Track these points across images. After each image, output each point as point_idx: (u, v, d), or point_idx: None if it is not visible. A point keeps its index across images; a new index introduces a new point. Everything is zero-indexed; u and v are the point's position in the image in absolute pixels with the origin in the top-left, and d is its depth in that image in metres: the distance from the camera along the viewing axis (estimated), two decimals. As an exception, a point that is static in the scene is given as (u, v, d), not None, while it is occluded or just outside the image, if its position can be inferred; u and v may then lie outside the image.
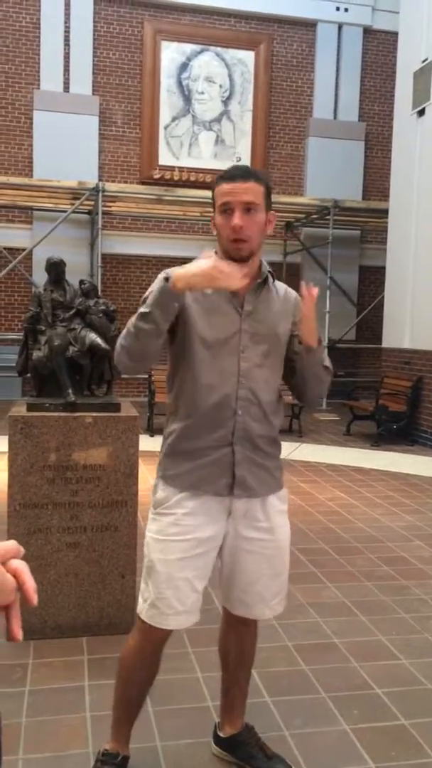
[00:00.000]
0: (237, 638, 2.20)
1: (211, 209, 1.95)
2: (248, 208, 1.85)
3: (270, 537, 2.02)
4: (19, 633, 0.81)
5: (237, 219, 1.84)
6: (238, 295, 1.93)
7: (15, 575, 0.81)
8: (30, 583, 0.81)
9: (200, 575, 1.97)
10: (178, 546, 1.93)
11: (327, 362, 2.01)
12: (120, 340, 1.88)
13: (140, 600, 2.01)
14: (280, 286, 2.05)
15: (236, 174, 1.88)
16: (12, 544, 0.83)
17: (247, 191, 1.85)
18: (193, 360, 1.92)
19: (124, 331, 1.87)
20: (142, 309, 1.80)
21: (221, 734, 2.28)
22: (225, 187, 1.87)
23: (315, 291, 1.81)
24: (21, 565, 0.82)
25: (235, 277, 1.72)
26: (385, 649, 3.08)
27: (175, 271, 1.75)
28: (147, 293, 1.84)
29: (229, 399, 1.91)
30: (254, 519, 2.00)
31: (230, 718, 2.28)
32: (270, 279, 2.00)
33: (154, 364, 1.93)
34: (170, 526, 1.94)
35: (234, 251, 1.88)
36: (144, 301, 1.82)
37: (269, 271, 2.00)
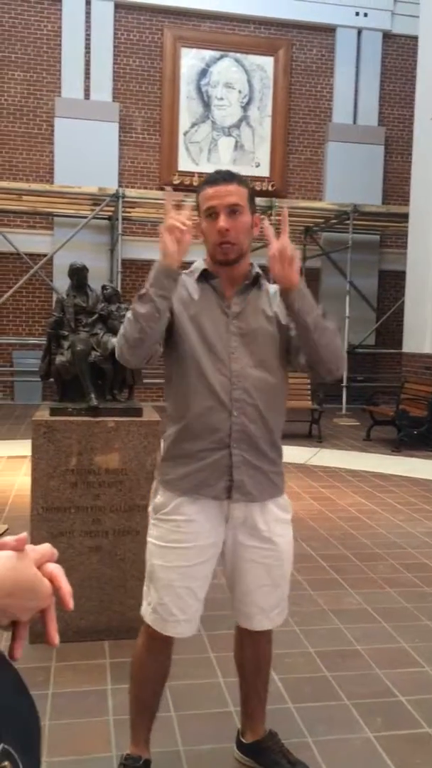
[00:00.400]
0: (252, 646, 2.18)
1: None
2: (233, 210, 1.88)
3: (269, 546, 2.00)
4: (56, 637, 0.80)
5: (222, 222, 1.86)
6: (225, 297, 1.95)
7: (50, 579, 0.80)
8: (66, 587, 0.81)
9: (202, 584, 1.97)
10: (179, 554, 1.93)
11: (321, 312, 1.87)
12: (120, 330, 1.89)
13: (144, 603, 2.03)
14: (271, 286, 2.04)
15: (219, 178, 1.91)
16: (47, 548, 0.82)
17: (230, 194, 1.88)
18: (185, 364, 1.93)
19: (124, 322, 1.89)
20: (140, 291, 1.83)
21: (244, 740, 2.28)
22: (209, 191, 1.90)
23: (284, 212, 1.83)
24: (56, 569, 0.81)
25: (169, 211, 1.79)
26: (408, 656, 3.05)
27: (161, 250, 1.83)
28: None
29: (223, 400, 1.90)
30: (253, 527, 1.97)
31: (251, 725, 2.27)
32: (260, 279, 2.00)
33: (155, 361, 1.91)
34: (170, 532, 1.94)
35: (221, 254, 1.90)
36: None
37: (257, 272, 2.00)
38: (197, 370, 1.92)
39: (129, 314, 1.85)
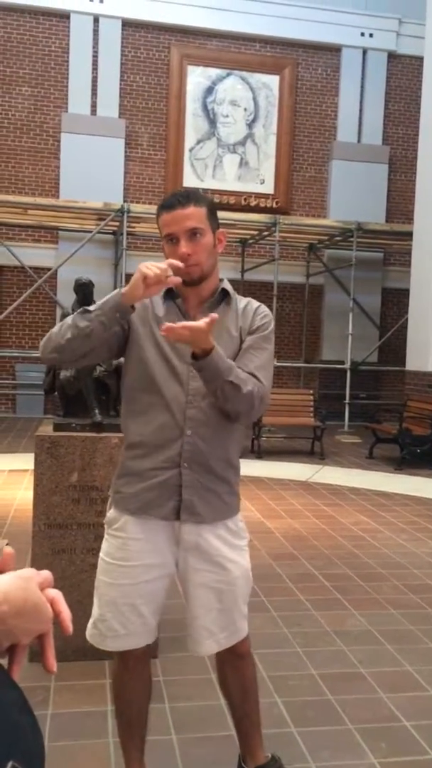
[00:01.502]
0: (234, 673, 2.12)
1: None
2: (193, 233, 1.85)
3: (219, 571, 1.94)
4: (54, 664, 0.81)
5: (183, 248, 1.83)
6: (188, 314, 1.92)
7: (51, 603, 0.80)
8: (66, 612, 0.81)
9: (147, 601, 1.93)
10: (124, 572, 1.91)
11: (233, 378, 1.80)
12: (53, 328, 1.89)
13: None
14: (242, 301, 2.01)
15: (174, 202, 1.86)
16: (47, 573, 0.82)
17: (188, 217, 1.84)
18: (141, 380, 1.91)
19: (59, 323, 1.89)
20: (87, 306, 1.84)
21: (245, 766, 2.23)
22: (166, 217, 1.87)
23: (213, 317, 1.71)
24: (57, 595, 0.81)
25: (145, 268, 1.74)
26: (413, 680, 3.01)
27: (124, 289, 1.81)
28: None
29: (177, 419, 1.87)
30: (205, 552, 1.92)
31: (249, 750, 2.21)
32: (228, 295, 1.97)
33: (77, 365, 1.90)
34: (118, 550, 1.92)
35: (185, 275, 1.85)
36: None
37: (224, 288, 1.96)
38: (152, 387, 1.88)
39: (68, 319, 1.85)
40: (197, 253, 1.85)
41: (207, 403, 1.87)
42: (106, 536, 1.99)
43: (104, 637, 1.94)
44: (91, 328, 1.80)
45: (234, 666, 2.11)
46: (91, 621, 1.97)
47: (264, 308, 2.02)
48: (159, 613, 2.00)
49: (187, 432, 1.86)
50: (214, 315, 1.71)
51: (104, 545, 1.98)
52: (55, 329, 1.88)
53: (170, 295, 1.95)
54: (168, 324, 1.71)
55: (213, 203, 1.96)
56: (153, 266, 1.74)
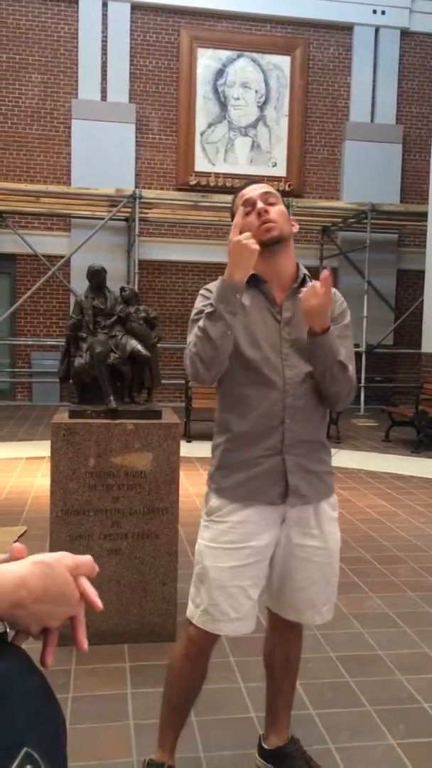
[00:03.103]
0: (282, 646, 2.18)
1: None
2: (268, 201, 1.95)
3: (321, 545, 2.01)
4: (85, 642, 0.82)
5: (260, 204, 1.93)
6: (275, 302, 1.95)
7: (81, 592, 0.82)
8: (90, 591, 0.83)
9: (255, 583, 1.97)
10: (231, 555, 1.93)
11: (342, 357, 1.89)
12: (190, 351, 1.87)
13: (191, 605, 2.01)
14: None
15: (251, 182, 2.05)
16: (87, 562, 0.84)
17: (264, 188, 1.99)
18: (237, 372, 1.92)
19: (190, 343, 1.87)
20: (207, 310, 1.83)
21: (266, 746, 2.25)
22: (244, 191, 2.00)
23: (327, 273, 1.82)
24: (88, 588, 0.83)
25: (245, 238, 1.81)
26: (431, 661, 3.01)
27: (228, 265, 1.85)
28: (196, 309, 1.90)
29: (276, 408, 1.91)
30: (306, 526, 1.99)
31: (276, 728, 2.24)
32: (308, 282, 1.98)
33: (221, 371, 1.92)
34: (223, 534, 1.94)
35: (264, 232, 1.91)
36: (196, 317, 1.88)
37: (305, 274, 2.00)
38: (250, 379, 1.91)
39: (198, 332, 1.84)
40: (273, 212, 1.93)
41: (302, 390, 1.92)
42: (206, 524, 2.00)
43: (218, 622, 1.95)
44: (226, 324, 1.82)
45: (285, 639, 2.17)
46: (198, 608, 1.97)
47: (340, 295, 2.06)
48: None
49: (286, 420, 1.91)
50: (328, 272, 1.83)
51: (205, 533, 1.99)
52: (193, 348, 1.85)
53: (254, 281, 1.95)
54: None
55: (284, 202, 2.09)
56: (242, 237, 1.82)
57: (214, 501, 1.98)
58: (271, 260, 1.93)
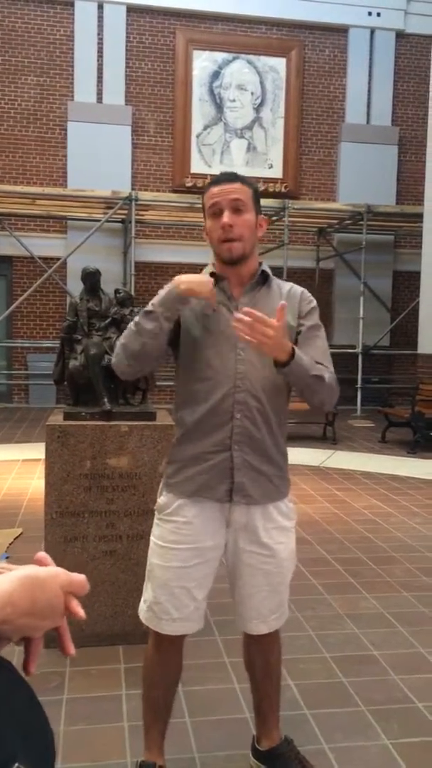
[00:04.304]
0: (261, 651, 2.17)
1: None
2: (237, 208, 1.90)
3: (268, 553, 1.99)
4: (71, 647, 0.83)
5: (226, 218, 1.88)
6: (233, 297, 1.95)
7: (67, 607, 0.82)
8: (77, 608, 0.82)
9: (200, 585, 1.97)
10: (177, 555, 1.94)
11: (314, 371, 1.87)
12: (120, 340, 1.92)
13: (141, 601, 2.04)
14: (284, 284, 2.04)
15: (223, 178, 1.95)
16: (81, 581, 0.83)
17: (234, 191, 1.90)
18: (190, 365, 1.94)
19: (125, 332, 1.91)
20: (147, 308, 1.87)
21: (259, 747, 2.25)
22: (213, 190, 1.93)
23: (283, 304, 1.77)
24: (77, 608, 0.83)
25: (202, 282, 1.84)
26: (426, 662, 3.02)
27: (181, 277, 1.86)
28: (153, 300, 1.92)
29: (226, 403, 1.90)
30: (253, 533, 1.97)
31: (265, 731, 2.25)
32: (269, 278, 2.00)
33: (152, 370, 1.95)
34: (170, 533, 1.96)
35: (226, 252, 1.91)
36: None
37: (264, 270, 2.00)
38: (202, 373, 1.92)
39: (132, 326, 1.88)
40: (239, 226, 1.89)
41: (257, 386, 1.91)
42: (156, 521, 2.02)
43: (159, 620, 1.97)
44: (159, 327, 1.84)
45: (261, 644, 2.15)
46: (145, 603, 2.00)
47: (308, 293, 2.06)
48: (207, 598, 2.03)
49: (236, 416, 1.90)
50: (284, 302, 1.78)
51: (156, 530, 2.02)
52: (123, 339, 1.91)
53: (213, 279, 1.96)
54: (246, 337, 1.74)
55: (258, 189, 2.03)
56: (206, 280, 1.85)
57: (163, 498, 2.00)
58: (233, 268, 1.96)
